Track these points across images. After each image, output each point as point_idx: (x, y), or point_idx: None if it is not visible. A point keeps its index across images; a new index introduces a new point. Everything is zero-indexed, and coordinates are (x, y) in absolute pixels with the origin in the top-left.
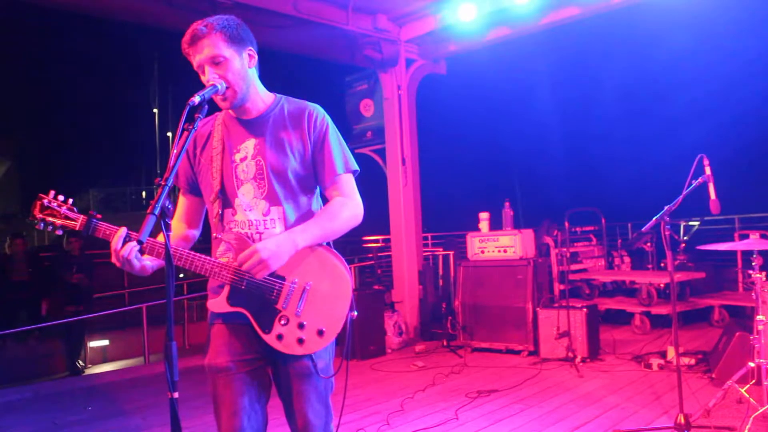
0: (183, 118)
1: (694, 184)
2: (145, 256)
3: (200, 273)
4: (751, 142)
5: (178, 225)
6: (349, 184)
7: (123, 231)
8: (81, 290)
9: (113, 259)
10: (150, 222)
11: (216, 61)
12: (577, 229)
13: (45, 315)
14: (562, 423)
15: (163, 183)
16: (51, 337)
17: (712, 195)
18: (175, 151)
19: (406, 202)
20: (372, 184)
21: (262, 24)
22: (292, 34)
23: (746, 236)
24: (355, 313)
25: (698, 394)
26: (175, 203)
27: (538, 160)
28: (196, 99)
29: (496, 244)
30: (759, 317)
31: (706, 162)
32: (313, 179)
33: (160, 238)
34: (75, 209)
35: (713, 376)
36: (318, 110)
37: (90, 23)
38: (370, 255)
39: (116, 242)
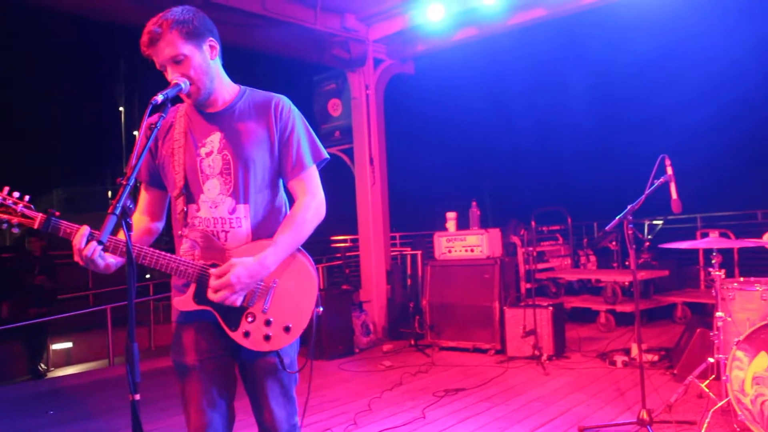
0: (145, 117)
1: (656, 184)
2: (108, 254)
3: (165, 271)
4: (714, 144)
5: (140, 218)
6: (314, 178)
7: (85, 229)
8: (44, 292)
9: (76, 258)
10: (111, 222)
11: (177, 60)
12: (544, 228)
13: (6, 317)
14: (528, 420)
15: (124, 183)
16: (12, 339)
17: (674, 194)
18: (136, 150)
19: (374, 202)
20: (340, 183)
21: (231, 23)
22: (260, 33)
23: (707, 235)
24: (321, 309)
25: (661, 390)
26: (136, 198)
27: (506, 160)
28: (159, 98)
29: (463, 243)
30: (718, 314)
31: (667, 162)
32: (278, 172)
33: (122, 235)
34: (32, 207)
35: (675, 371)
36: (284, 100)
37: (54, 20)
38: (339, 255)
39: (79, 241)
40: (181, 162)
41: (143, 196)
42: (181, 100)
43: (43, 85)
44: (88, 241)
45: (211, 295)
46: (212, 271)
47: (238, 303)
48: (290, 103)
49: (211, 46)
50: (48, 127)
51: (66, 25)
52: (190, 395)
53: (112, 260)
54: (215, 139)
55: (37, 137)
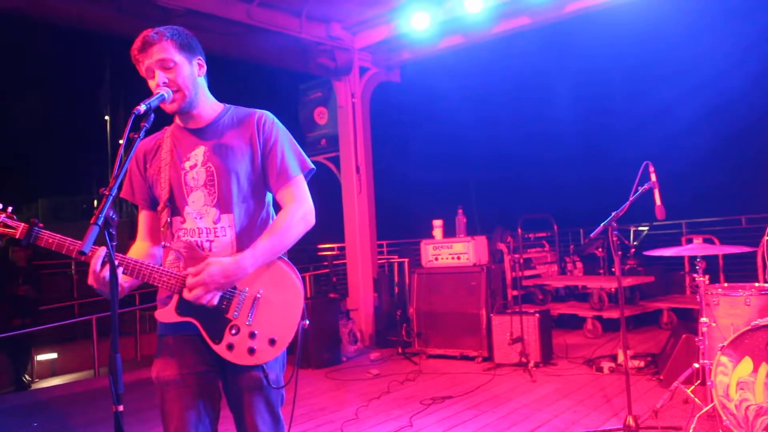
0: (128, 127)
1: (640, 191)
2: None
3: (148, 282)
4: (698, 150)
5: (142, 244)
6: (301, 187)
7: (102, 251)
8: (28, 302)
9: (91, 281)
10: (93, 232)
11: (166, 66)
12: (530, 235)
13: None
14: (516, 427)
15: (107, 193)
16: None
17: (657, 201)
18: (119, 161)
19: (360, 210)
20: (326, 191)
21: (215, 31)
22: (245, 42)
23: (692, 241)
24: (307, 321)
25: (647, 396)
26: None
27: (492, 167)
28: (142, 108)
29: (449, 251)
30: (703, 319)
31: (651, 169)
32: (264, 184)
33: (128, 255)
34: (14, 217)
35: (661, 377)
36: (267, 115)
37: (39, 30)
38: (326, 263)
39: (95, 263)
40: (167, 177)
41: (142, 221)
42: (164, 114)
43: (26, 93)
44: (104, 264)
45: (186, 294)
46: (189, 269)
47: (215, 302)
48: (274, 117)
49: (200, 64)
50: (32, 136)
51: (51, 34)
52: (171, 412)
53: (125, 284)
54: (199, 152)
55: (22, 146)
